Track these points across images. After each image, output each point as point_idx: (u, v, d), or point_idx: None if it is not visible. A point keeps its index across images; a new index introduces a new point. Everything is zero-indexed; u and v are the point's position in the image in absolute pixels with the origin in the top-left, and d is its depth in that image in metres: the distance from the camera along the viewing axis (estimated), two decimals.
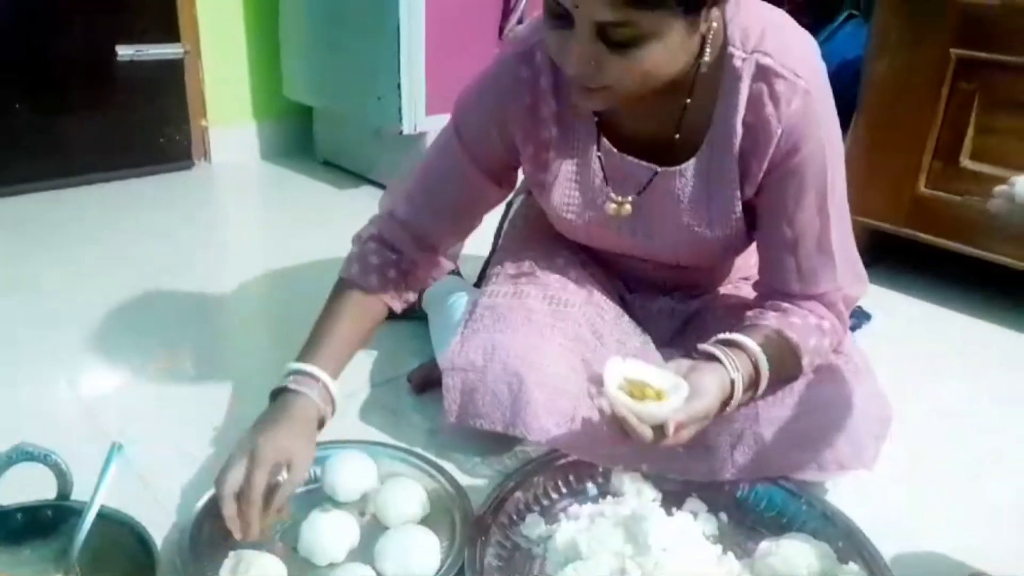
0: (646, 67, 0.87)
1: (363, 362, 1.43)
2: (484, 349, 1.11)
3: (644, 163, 1.06)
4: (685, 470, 1.07)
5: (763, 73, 0.96)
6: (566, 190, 1.11)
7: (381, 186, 2.35)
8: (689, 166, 1.04)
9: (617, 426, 0.90)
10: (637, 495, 1.03)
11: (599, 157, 1.07)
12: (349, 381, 1.35)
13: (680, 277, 1.23)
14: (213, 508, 0.98)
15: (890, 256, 1.91)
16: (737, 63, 0.97)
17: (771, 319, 1.05)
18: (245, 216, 2.25)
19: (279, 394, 1.01)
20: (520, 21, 2.08)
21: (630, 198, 1.08)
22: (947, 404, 1.41)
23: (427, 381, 1.32)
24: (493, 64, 1.09)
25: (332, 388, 1.03)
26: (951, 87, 1.65)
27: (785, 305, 1.06)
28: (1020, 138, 1.60)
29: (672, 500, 1.03)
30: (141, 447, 1.11)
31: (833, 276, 1.05)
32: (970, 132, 1.65)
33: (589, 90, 0.91)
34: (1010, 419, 1.38)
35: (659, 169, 1.05)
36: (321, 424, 1.02)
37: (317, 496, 1.06)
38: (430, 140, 2.10)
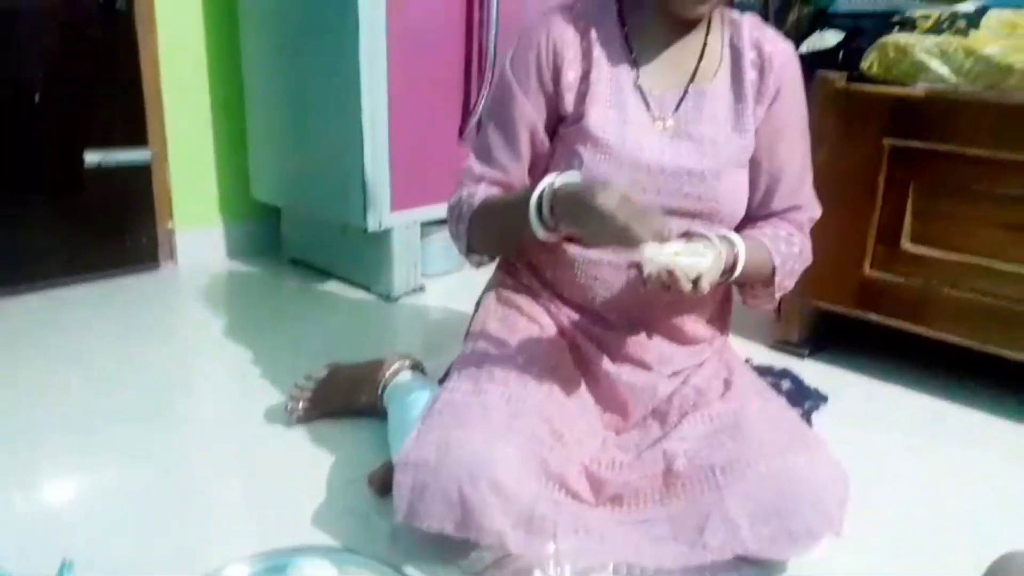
0: None
1: (323, 464, 1.42)
2: (438, 446, 1.10)
3: (673, 90, 1.25)
4: (658, 558, 1.08)
5: (757, 25, 1.27)
6: (605, 111, 1.22)
7: (348, 281, 2.37)
8: (716, 82, 1.25)
9: (660, 282, 1.04)
10: None
11: (639, 87, 1.24)
12: (309, 483, 1.35)
13: (671, 308, 1.28)
14: None
15: (841, 337, 1.96)
16: (735, 16, 1.28)
17: (747, 230, 1.27)
18: (212, 316, 2.22)
19: (543, 212, 1.13)
20: (480, 122, 2.15)
21: (670, 113, 1.24)
22: (903, 481, 1.44)
23: (388, 482, 1.31)
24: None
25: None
26: (887, 175, 1.73)
27: (760, 223, 1.30)
28: (955, 221, 1.68)
29: None
30: (92, 564, 1.09)
31: (808, 192, 1.33)
32: (908, 217, 1.72)
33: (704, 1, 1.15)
34: (965, 492, 1.41)
35: (690, 89, 1.24)
36: None
37: None
38: (396, 237, 2.20)
